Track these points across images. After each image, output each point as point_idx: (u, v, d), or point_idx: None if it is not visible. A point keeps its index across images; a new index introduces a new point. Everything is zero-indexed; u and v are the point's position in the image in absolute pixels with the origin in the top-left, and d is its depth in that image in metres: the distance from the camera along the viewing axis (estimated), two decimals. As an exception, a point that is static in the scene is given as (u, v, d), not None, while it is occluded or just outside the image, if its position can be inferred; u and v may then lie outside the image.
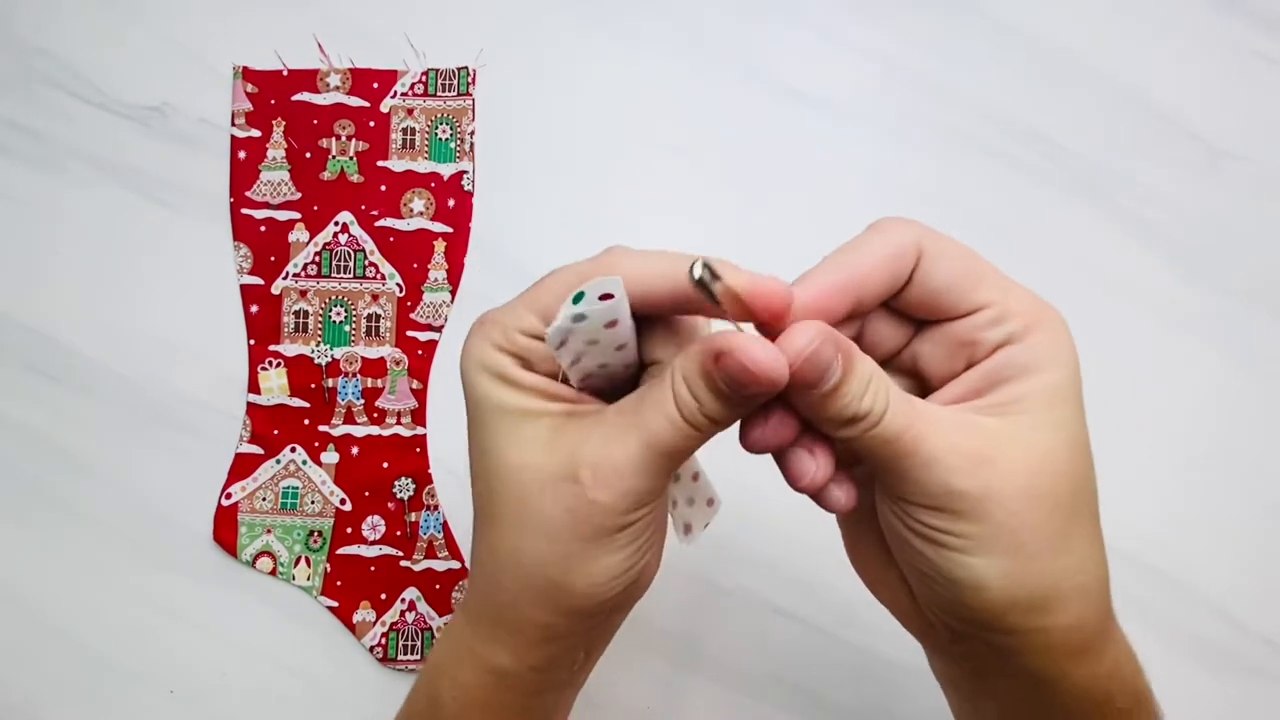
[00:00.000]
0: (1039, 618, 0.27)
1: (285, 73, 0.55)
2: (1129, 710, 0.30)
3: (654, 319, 0.30)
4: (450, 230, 0.54)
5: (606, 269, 0.28)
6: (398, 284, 0.54)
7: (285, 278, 0.54)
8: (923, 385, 0.31)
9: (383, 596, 0.52)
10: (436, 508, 0.53)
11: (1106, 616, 0.29)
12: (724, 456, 0.52)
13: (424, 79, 0.55)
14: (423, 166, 0.54)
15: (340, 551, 0.52)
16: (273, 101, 0.55)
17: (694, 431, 0.27)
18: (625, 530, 0.29)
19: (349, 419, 0.53)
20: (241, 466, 0.53)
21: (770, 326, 0.26)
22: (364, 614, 0.52)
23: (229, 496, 0.53)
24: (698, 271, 0.24)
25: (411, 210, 0.54)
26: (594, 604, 0.30)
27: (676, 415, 0.27)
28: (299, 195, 0.54)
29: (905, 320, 0.31)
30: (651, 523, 0.30)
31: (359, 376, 0.53)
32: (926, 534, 0.28)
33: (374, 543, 0.52)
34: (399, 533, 0.53)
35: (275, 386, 0.53)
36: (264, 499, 0.53)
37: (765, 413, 0.28)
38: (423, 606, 0.52)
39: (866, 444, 0.27)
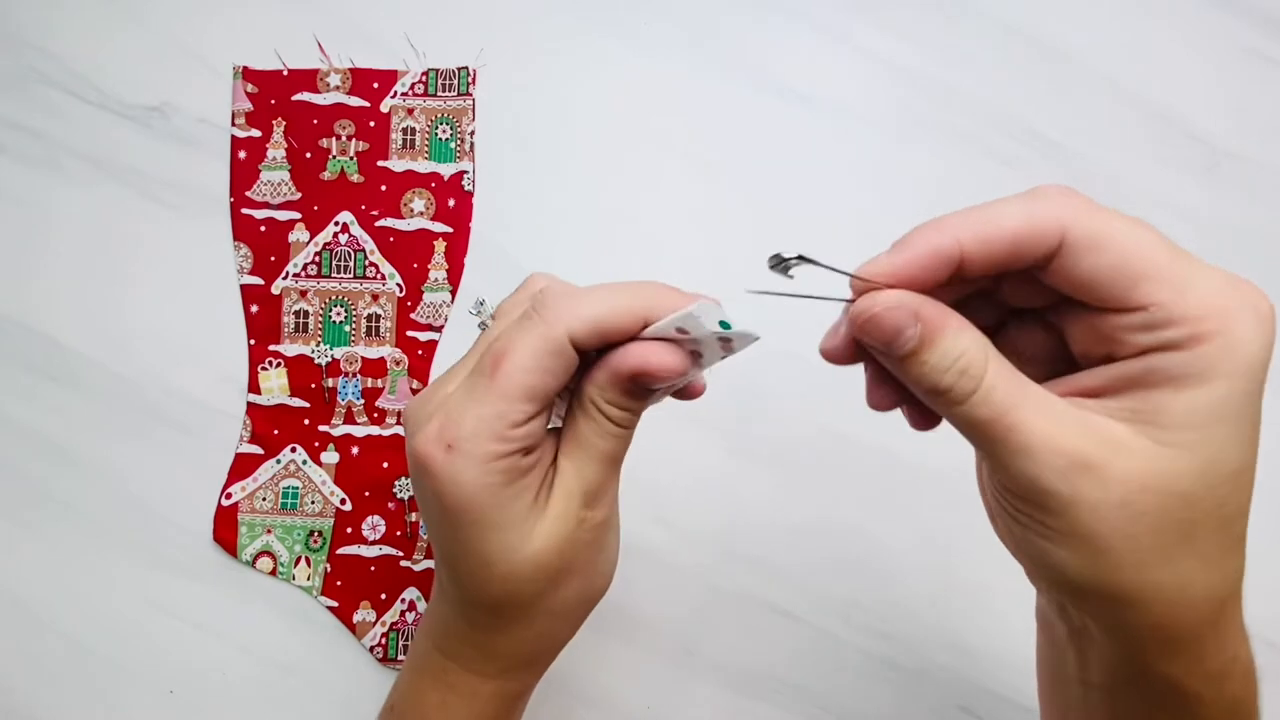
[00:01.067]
0: (1118, 611, 0.27)
1: (285, 73, 0.55)
2: None
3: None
4: (450, 230, 0.54)
5: (560, 317, 0.29)
6: (398, 284, 0.54)
7: (285, 278, 0.54)
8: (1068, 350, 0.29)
9: (383, 596, 0.52)
10: (436, 508, 0.53)
11: (1209, 625, 0.27)
12: (724, 460, 0.52)
13: (424, 79, 0.55)
14: (423, 166, 0.54)
15: (340, 551, 0.52)
16: (273, 101, 0.55)
17: (630, 430, 0.32)
18: (613, 519, 0.34)
19: (349, 419, 0.53)
20: (241, 466, 0.53)
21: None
22: (364, 614, 0.52)
23: (229, 496, 0.53)
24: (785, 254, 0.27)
25: (411, 210, 0.54)
26: (609, 586, 0.35)
27: (616, 429, 0.31)
28: (299, 195, 0.54)
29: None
30: (617, 498, 0.35)
31: (359, 376, 0.53)
32: (1011, 511, 0.27)
33: (374, 543, 0.52)
34: (399, 533, 0.53)
35: (275, 386, 0.53)
36: (264, 499, 0.53)
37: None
38: (423, 606, 0.52)
39: (954, 420, 0.26)
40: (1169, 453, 0.25)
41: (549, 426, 0.33)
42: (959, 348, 0.26)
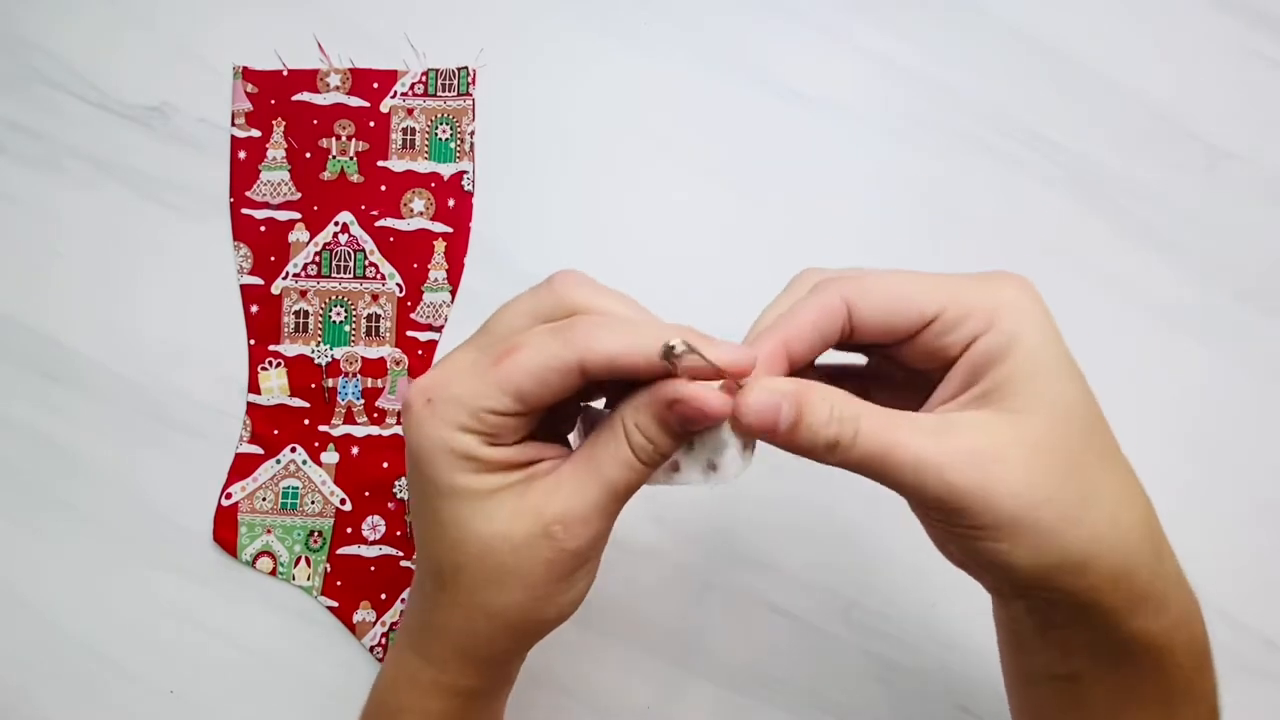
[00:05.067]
0: (1079, 578, 0.29)
1: (285, 73, 0.55)
2: (1190, 670, 0.31)
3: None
4: (450, 230, 0.54)
5: (579, 343, 0.29)
6: (398, 284, 0.54)
7: (285, 278, 0.54)
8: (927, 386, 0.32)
9: (383, 596, 0.52)
10: (436, 508, 0.53)
11: (1152, 557, 0.30)
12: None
13: (424, 79, 0.55)
14: (423, 166, 0.54)
15: (340, 551, 0.52)
16: (273, 101, 0.55)
17: (647, 469, 0.31)
18: (589, 562, 0.33)
19: (349, 419, 0.53)
20: (241, 466, 0.53)
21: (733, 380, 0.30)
22: (364, 614, 0.52)
23: (229, 496, 0.53)
24: (676, 346, 0.28)
25: (411, 210, 0.54)
26: (559, 623, 0.34)
27: (633, 459, 0.31)
28: (299, 195, 0.54)
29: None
30: (603, 548, 0.34)
31: (359, 376, 0.53)
32: (946, 530, 0.30)
33: (374, 543, 0.53)
34: (399, 533, 0.53)
35: (275, 386, 0.53)
36: (264, 499, 0.53)
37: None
38: (423, 606, 0.52)
39: (853, 466, 0.29)
40: (1022, 416, 0.28)
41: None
42: (827, 403, 0.29)
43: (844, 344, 0.33)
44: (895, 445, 0.28)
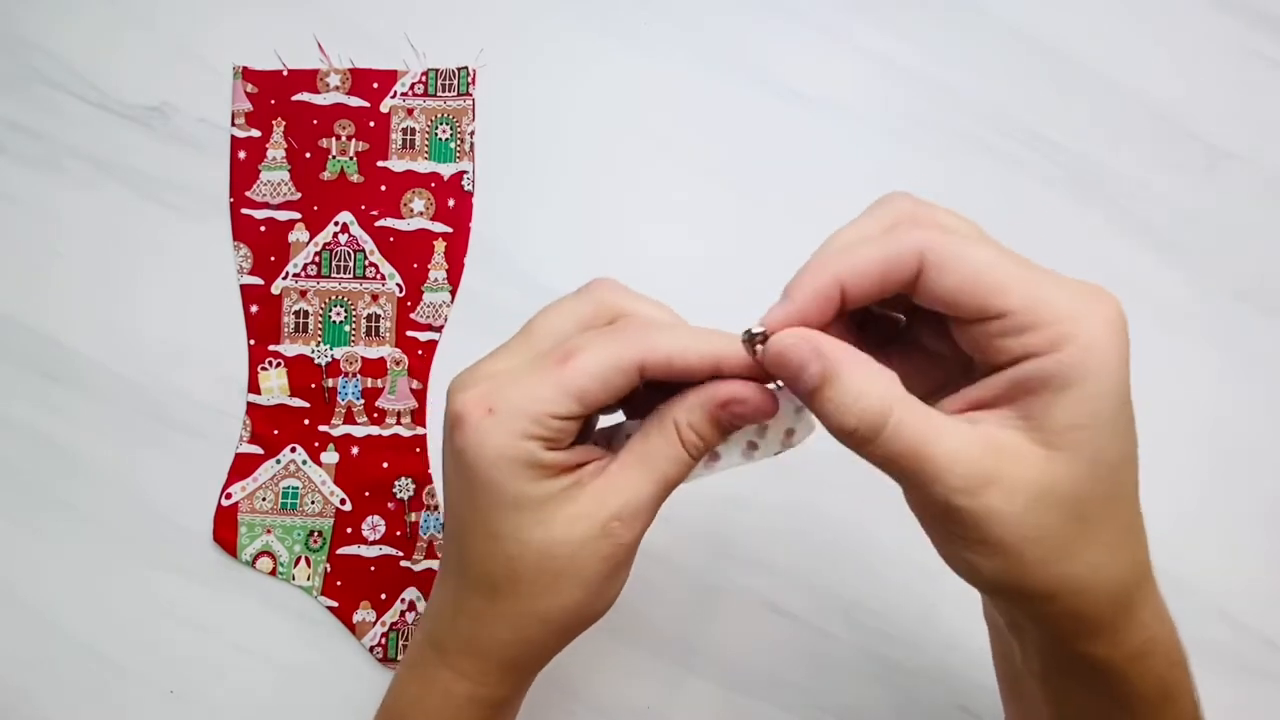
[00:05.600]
0: (1037, 605, 0.29)
1: (285, 73, 0.55)
2: (1153, 702, 0.31)
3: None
4: (450, 230, 0.54)
5: (640, 344, 0.30)
6: (398, 284, 0.54)
7: (285, 278, 0.54)
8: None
9: (383, 596, 0.52)
10: (437, 508, 0.53)
11: (1121, 608, 0.29)
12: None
13: (424, 79, 0.55)
14: (423, 166, 0.54)
15: (340, 551, 0.52)
16: (273, 101, 0.55)
17: (694, 461, 0.32)
18: (634, 554, 0.33)
19: (349, 419, 0.53)
20: (241, 466, 0.53)
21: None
22: (364, 614, 0.52)
23: (229, 496, 0.53)
24: (755, 330, 0.30)
25: (411, 210, 0.54)
26: (602, 617, 0.34)
27: (685, 455, 0.32)
28: (299, 195, 0.54)
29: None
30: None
31: (359, 376, 0.53)
32: (928, 524, 0.30)
33: (374, 543, 0.53)
34: (399, 533, 0.53)
35: (275, 386, 0.53)
36: (264, 499, 0.53)
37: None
38: (423, 606, 0.52)
39: (866, 457, 0.29)
40: (1058, 455, 0.27)
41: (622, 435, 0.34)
42: (857, 387, 0.28)
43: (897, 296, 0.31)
44: (923, 457, 0.27)
